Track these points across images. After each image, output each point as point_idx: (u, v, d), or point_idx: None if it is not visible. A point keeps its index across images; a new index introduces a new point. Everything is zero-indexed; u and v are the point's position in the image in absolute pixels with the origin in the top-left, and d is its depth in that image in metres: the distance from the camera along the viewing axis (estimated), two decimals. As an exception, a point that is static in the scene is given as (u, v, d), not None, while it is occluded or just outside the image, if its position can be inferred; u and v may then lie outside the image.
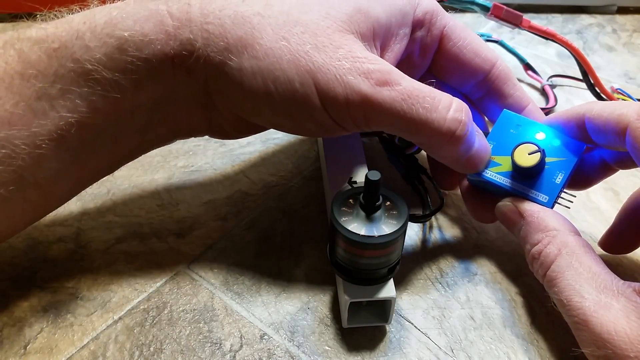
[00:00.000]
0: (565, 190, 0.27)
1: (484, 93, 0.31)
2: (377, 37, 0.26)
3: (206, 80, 0.25)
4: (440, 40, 0.29)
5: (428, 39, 0.29)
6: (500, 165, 0.28)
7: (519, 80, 0.47)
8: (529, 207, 0.27)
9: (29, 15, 0.25)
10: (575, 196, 0.28)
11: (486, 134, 0.29)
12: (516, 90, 0.30)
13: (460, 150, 0.26)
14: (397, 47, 0.28)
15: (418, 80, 0.25)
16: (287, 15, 0.24)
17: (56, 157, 0.24)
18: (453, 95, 0.25)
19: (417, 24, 0.28)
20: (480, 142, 0.27)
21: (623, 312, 0.21)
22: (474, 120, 0.31)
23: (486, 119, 0.33)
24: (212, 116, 0.27)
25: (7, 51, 0.23)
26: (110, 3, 0.25)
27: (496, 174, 0.28)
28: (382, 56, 0.27)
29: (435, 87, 0.25)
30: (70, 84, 0.23)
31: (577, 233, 0.25)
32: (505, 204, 0.27)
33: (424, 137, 0.25)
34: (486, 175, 0.28)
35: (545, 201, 0.27)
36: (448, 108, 0.25)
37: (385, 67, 0.24)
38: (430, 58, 0.30)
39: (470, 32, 0.30)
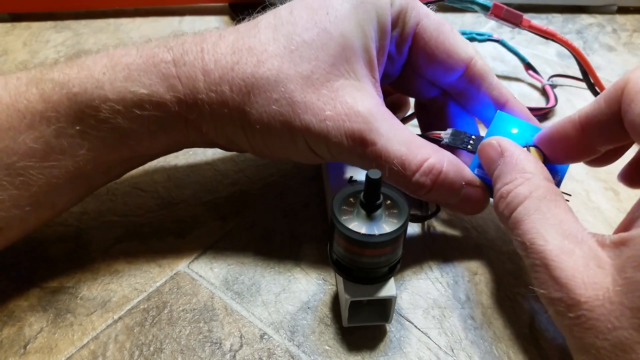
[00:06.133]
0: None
1: (461, 89, 0.31)
2: (368, 61, 0.27)
3: (215, 136, 0.27)
4: (414, 37, 0.29)
5: (401, 38, 0.29)
6: None
7: (519, 80, 0.47)
8: (511, 146, 0.26)
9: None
10: (570, 195, 0.28)
11: (468, 137, 0.29)
12: (493, 89, 0.30)
13: (436, 197, 0.27)
14: (384, 59, 0.28)
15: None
16: (277, 71, 0.25)
17: (71, 184, 0.26)
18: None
19: (392, 24, 0.28)
20: (469, 191, 0.27)
21: (583, 260, 0.21)
22: (460, 117, 0.32)
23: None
24: (221, 147, 0.30)
25: (30, 89, 0.24)
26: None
27: None
28: (374, 71, 0.27)
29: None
30: (89, 127, 0.25)
31: (551, 181, 0.25)
32: (490, 141, 0.27)
33: (397, 186, 0.26)
34: (482, 174, 0.28)
35: None
36: (415, 170, 0.26)
37: (363, 125, 0.25)
38: (406, 52, 0.30)
39: (444, 29, 0.29)
